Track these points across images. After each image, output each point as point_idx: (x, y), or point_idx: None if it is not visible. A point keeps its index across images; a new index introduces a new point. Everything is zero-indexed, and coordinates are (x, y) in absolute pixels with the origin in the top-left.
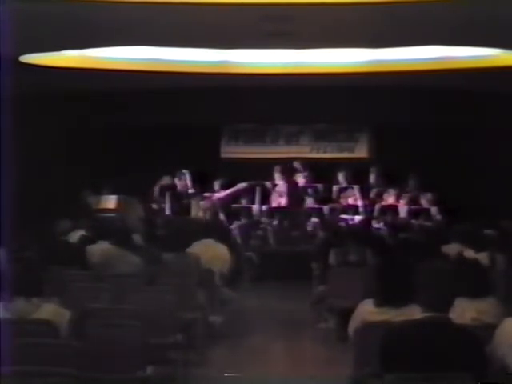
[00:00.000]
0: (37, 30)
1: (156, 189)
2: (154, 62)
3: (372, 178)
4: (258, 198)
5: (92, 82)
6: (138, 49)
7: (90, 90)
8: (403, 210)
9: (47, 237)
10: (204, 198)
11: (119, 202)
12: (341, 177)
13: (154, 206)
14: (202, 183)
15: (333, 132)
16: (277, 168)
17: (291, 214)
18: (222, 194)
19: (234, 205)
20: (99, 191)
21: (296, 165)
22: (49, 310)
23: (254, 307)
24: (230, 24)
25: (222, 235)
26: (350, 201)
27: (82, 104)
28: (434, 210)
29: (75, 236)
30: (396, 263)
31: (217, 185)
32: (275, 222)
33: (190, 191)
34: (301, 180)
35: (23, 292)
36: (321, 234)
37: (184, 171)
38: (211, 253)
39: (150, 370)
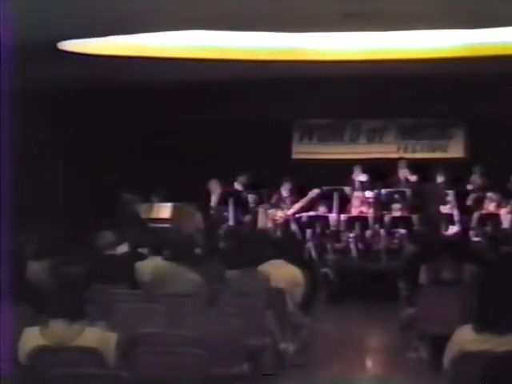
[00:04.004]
0: (78, 14)
1: (217, 195)
2: (214, 48)
3: (470, 182)
4: (335, 205)
5: (141, 73)
6: (195, 33)
7: (139, 82)
8: (506, 218)
9: (91, 251)
10: (272, 206)
11: (174, 211)
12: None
13: (215, 214)
14: (270, 188)
15: (422, 128)
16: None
17: (375, 224)
18: (293, 209)
19: (307, 213)
20: (149, 198)
21: None
22: (93, 336)
23: (332, 332)
24: (303, 4)
25: (295, 252)
26: (444, 209)
27: (130, 98)
28: None
29: (123, 250)
30: (499, 282)
31: (286, 190)
32: (356, 234)
33: (257, 198)
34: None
35: (63, 314)
36: (409, 247)
37: (249, 174)
38: (282, 274)
39: None
